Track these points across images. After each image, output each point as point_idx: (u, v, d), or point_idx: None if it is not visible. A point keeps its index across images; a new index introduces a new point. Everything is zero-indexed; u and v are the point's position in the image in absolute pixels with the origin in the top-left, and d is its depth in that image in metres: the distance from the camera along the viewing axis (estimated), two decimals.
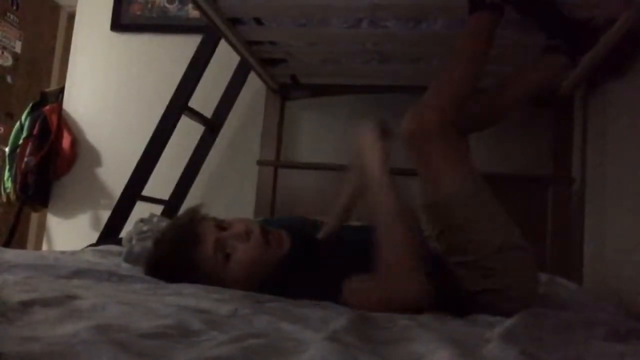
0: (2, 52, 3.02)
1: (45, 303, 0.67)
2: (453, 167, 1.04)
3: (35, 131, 2.67)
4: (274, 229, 1.10)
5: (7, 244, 2.57)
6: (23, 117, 2.75)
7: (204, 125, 2.32)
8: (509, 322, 0.71)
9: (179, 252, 1.05)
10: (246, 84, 2.38)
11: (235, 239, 1.05)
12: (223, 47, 1.97)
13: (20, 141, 2.69)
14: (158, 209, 2.19)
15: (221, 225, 1.08)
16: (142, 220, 1.70)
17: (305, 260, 1.05)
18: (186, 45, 2.25)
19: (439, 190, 1.04)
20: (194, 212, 1.12)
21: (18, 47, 3.12)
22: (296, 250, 1.07)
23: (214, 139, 2.38)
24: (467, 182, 1.03)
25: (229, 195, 2.48)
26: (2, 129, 3.01)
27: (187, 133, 2.27)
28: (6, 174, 2.72)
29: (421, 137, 1.04)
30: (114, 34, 2.73)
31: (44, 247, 2.73)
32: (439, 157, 1.04)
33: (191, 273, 1.03)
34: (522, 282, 1.03)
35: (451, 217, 1.04)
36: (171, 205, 2.23)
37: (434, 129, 1.04)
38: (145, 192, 2.01)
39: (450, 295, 1.00)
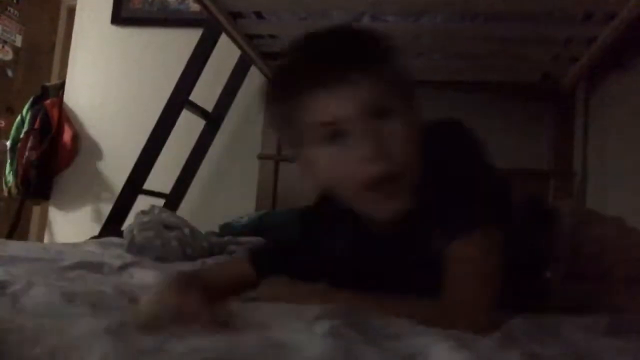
0: (3, 46, 3.01)
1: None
2: None
3: (36, 125, 2.67)
4: None
5: (9, 238, 2.58)
6: (24, 111, 2.75)
7: (205, 119, 2.32)
8: (509, 318, 0.71)
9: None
10: (247, 77, 2.38)
11: None
12: (224, 40, 1.97)
13: (22, 135, 2.69)
14: (159, 203, 2.19)
15: None
16: (143, 212, 1.71)
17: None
18: (187, 39, 2.25)
19: None
20: None
21: (19, 41, 3.11)
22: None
23: (214, 133, 2.38)
24: None
25: (230, 189, 2.48)
26: (2, 123, 3.01)
27: (188, 127, 2.27)
28: (7, 168, 2.73)
29: None
30: (115, 28, 2.73)
31: (46, 240, 2.74)
32: None
33: None
34: None
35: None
36: (172, 199, 2.23)
37: None
38: (146, 186, 2.02)
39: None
